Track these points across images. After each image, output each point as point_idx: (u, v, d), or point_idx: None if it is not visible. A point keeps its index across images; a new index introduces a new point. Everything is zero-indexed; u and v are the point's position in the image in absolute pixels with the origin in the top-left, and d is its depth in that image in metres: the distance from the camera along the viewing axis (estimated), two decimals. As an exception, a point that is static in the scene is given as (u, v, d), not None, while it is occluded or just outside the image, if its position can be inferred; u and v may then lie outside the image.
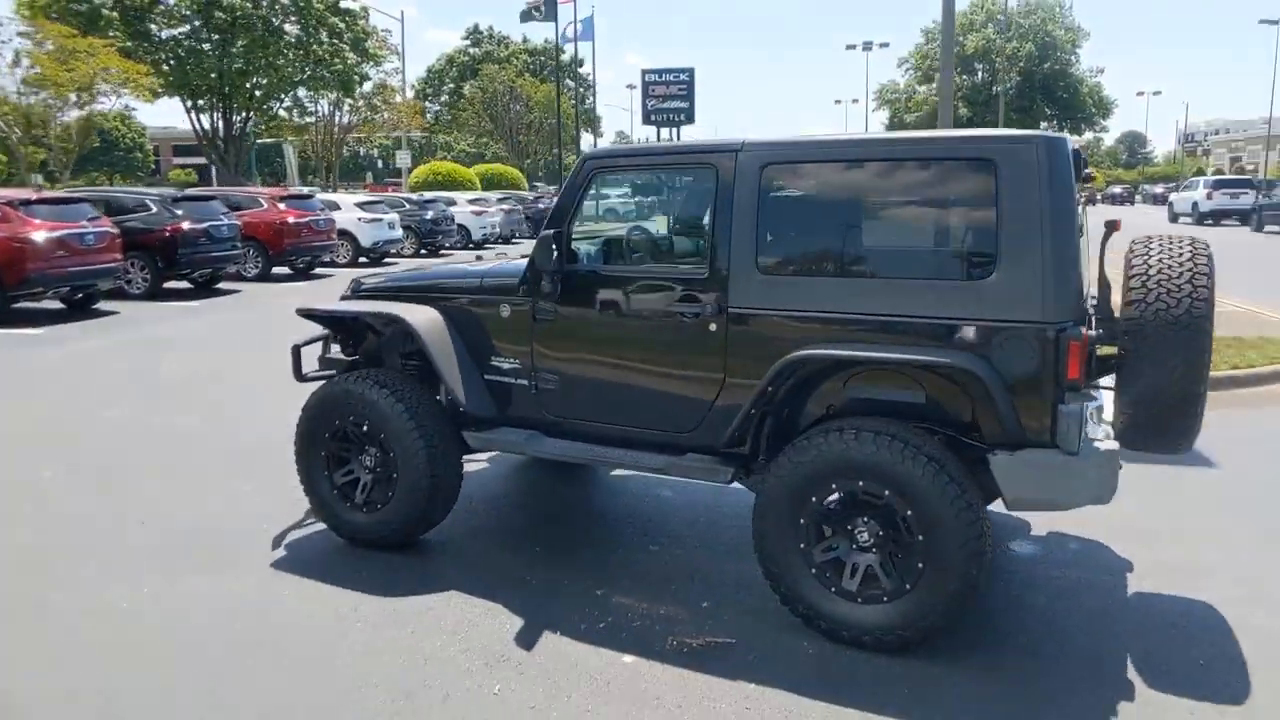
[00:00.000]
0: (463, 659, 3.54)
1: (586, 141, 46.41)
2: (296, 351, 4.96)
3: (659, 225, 4.71)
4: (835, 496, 3.51)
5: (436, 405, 4.47)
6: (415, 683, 3.38)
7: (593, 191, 4.12)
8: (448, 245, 24.15)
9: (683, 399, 3.90)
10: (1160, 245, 3.49)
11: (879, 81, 77.89)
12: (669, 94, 73.45)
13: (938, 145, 3.56)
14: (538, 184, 52.30)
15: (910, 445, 3.36)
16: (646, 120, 74.93)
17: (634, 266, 4.28)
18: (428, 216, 23.58)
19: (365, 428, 4.47)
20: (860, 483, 3.45)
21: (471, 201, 27.90)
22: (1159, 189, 59.77)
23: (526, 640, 3.67)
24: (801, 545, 3.58)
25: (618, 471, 5.72)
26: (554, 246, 3.93)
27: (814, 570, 3.58)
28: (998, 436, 3.40)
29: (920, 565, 3.39)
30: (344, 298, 4.94)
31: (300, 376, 5.01)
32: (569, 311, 4.11)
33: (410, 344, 4.86)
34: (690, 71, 72.59)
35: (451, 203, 26.29)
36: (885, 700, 3.23)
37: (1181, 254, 3.44)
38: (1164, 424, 3.42)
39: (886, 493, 3.41)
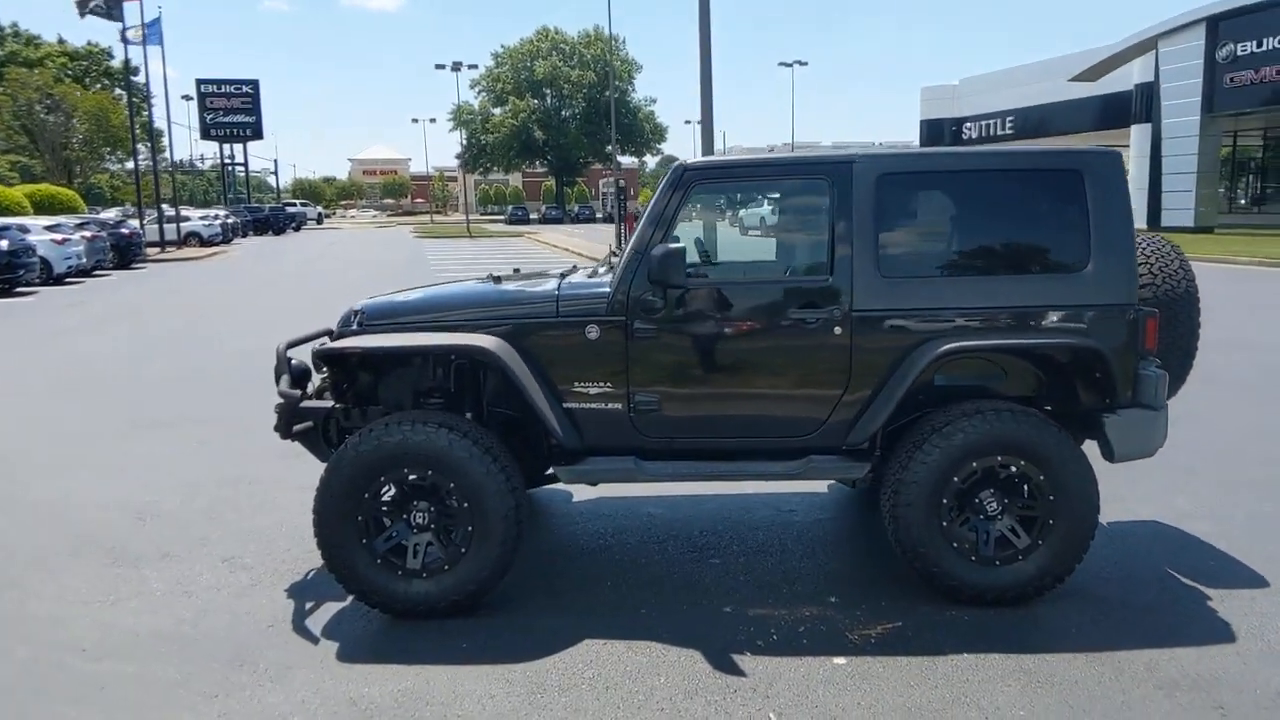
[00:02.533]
0: (681, 699, 3.31)
1: (145, 154, 40.79)
2: (292, 406, 4.15)
3: (761, 235, 4.67)
4: (974, 474, 3.87)
5: (507, 446, 4.05)
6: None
7: (689, 204, 4.03)
8: (27, 280, 20.22)
9: (805, 403, 3.99)
10: (1146, 243, 4.37)
11: (453, 102, 79.01)
12: (231, 107, 67.93)
13: (1033, 158, 4.10)
14: (98, 207, 45.32)
15: (1041, 418, 3.85)
16: (206, 135, 68.57)
17: (747, 277, 4.25)
18: (3, 247, 19.51)
19: (426, 482, 3.92)
20: (999, 456, 3.85)
21: (49, 229, 23.48)
22: (702, 206, 68.25)
23: (724, 665, 3.53)
24: (943, 523, 3.89)
25: (585, 496, 5.53)
26: (680, 261, 3.79)
27: (954, 544, 3.90)
28: (1093, 403, 4.01)
29: (1051, 521, 3.88)
30: (347, 333, 4.23)
31: (288, 431, 4.20)
32: (675, 328, 3.98)
33: (432, 380, 4.33)
34: (255, 84, 67.77)
35: (25, 230, 21.95)
36: (1042, 641, 3.65)
37: (1166, 249, 4.36)
38: (1173, 377, 4.29)
39: (1023, 462, 3.85)
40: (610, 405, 4.04)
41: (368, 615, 4.04)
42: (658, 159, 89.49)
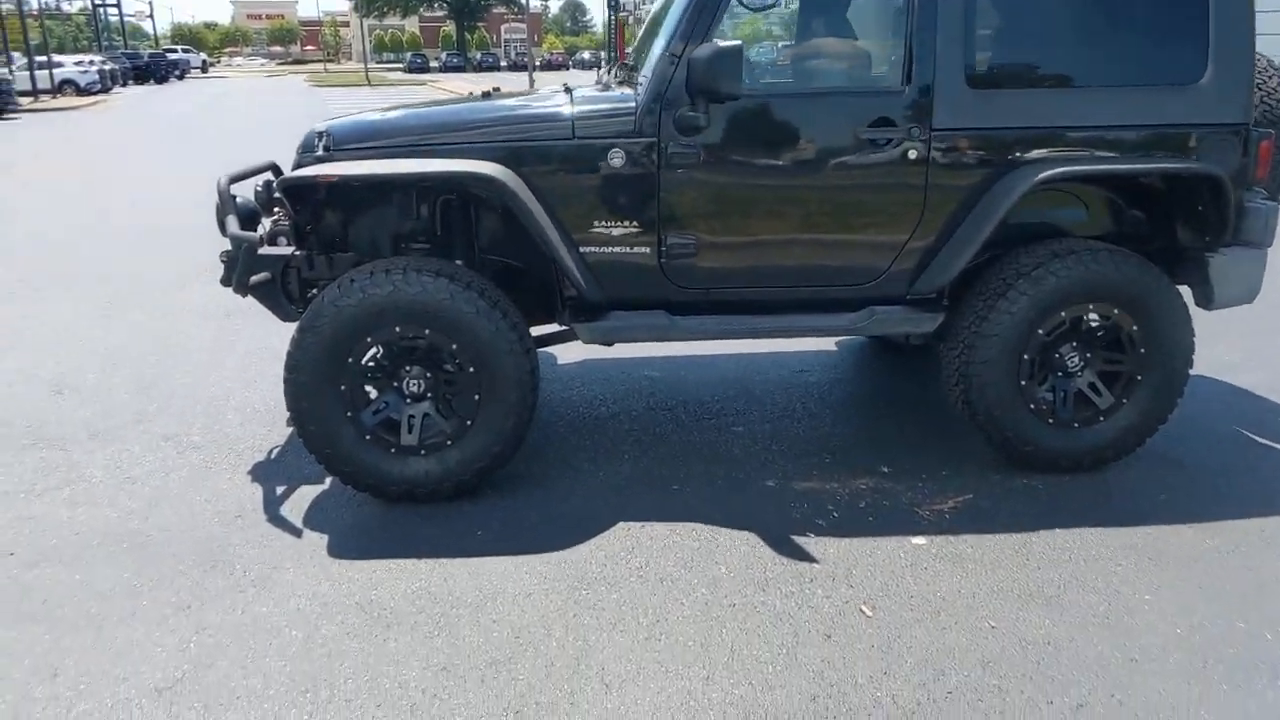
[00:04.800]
0: (752, 591, 2.84)
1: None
2: (248, 250, 3.38)
3: (825, 38, 3.83)
4: (1061, 325, 3.41)
5: (512, 300, 3.40)
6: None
7: (735, -2, 3.27)
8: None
9: (869, 244, 3.42)
10: None
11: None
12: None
13: None
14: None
15: (1140, 260, 3.38)
16: (70, -29, 61.82)
17: (808, 87, 3.57)
18: None
19: (422, 342, 3.27)
20: (1091, 305, 3.39)
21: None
22: (588, 55, 65.79)
23: (788, 549, 3.07)
24: (1022, 382, 3.43)
25: (570, 359, 4.93)
26: (736, 63, 3.06)
27: (1032, 405, 3.47)
28: (1191, 241, 3.54)
29: (1139, 378, 3.47)
30: (309, 160, 3.43)
31: (244, 285, 3.45)
32: (719, 152, 3.30)
33: (415, 221, 3.59)
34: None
35: None
36: (1135, 511, 3.30)
37: (1262, 63, 3.82)
38: None
39: (1116, 311, 3.40)
40: (636, 249, 3.40)
41: (356, 501, 3.44)
42: (560, 3, 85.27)
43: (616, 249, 3.39)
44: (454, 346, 3.28)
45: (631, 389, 4.59)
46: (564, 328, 3.70)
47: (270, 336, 5.11)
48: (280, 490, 3.54)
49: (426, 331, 3.27)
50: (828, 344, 5.20)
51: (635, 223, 3.36)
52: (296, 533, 3.23)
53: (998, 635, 2.59)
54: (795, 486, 3.52)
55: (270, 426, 4.11)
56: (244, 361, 4.94)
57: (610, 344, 3.72)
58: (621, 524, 3.26)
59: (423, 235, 3.66)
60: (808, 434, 4.02)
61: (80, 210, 9.62)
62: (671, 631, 2.65)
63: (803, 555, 3.03)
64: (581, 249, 3.38)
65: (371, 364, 3.37)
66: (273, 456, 3.83)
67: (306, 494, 3.51)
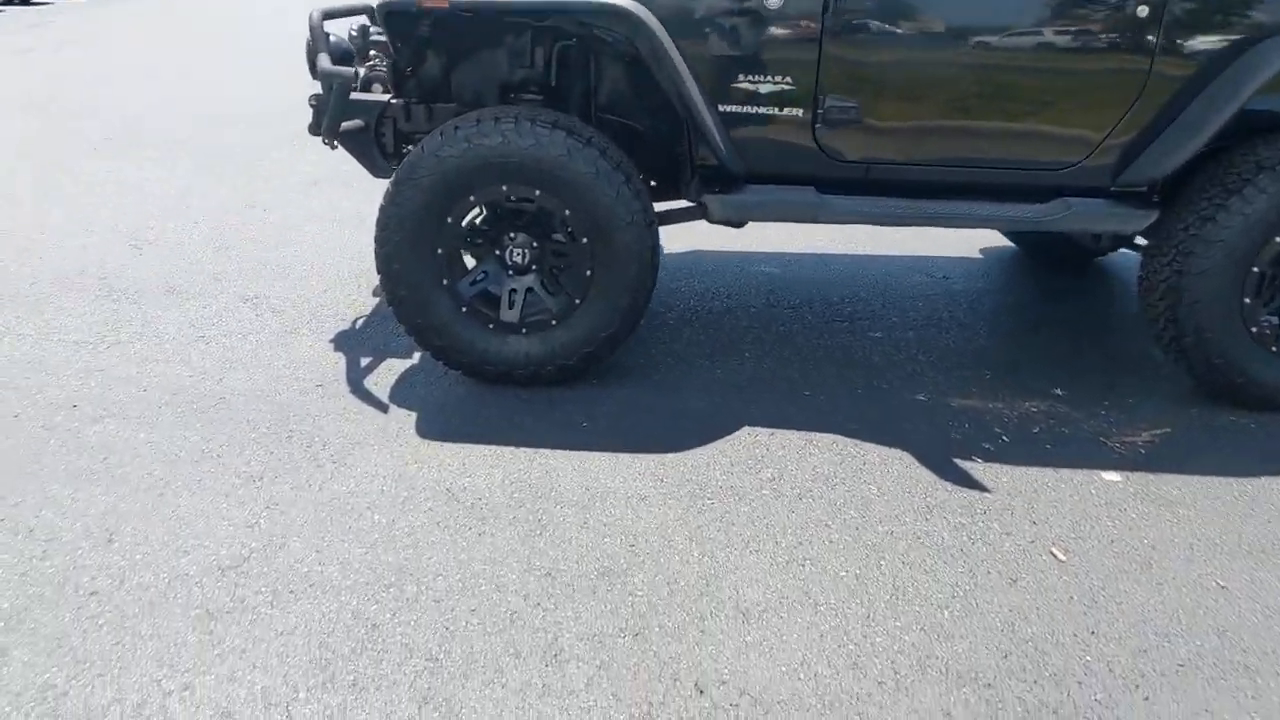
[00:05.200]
0: (912, 519, 2.38)
1: None
2: (340, 89, 2.96)
3: None
4: (1302, 232, 2.79)
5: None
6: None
7: None
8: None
9: (1070, 121, 2.82)
10: None
11: None
12: None
13: None
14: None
15: None
16: None
17: None
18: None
19: (531, 205, 2.83)
20: (1345, 209, 2.76)
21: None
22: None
23: (952, 474, 2.59)
24: (1246, 300, 2.85)
25: (675, 250, 4.45)
26: None
27: (1253, 329, 2.89)
28: None
29: None
30: None
31: (334, 130, 3.04)
32: (900, -4, 2.73)
33: (527, 69, 3.11)
34: None
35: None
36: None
37: None
38: None
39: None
40: (786, 112, 2.86)
41: (447, 380, 3.06)
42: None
43: (763, 109, 2.86)
44: (567, 213, 2.84)
45: (747, 284, 4.10)
46: (690, 203, 3.21)
47: (360, 205, 4.73)
48: (365, 362, 3.17)
49: (537, 193, 2.83)
50: (970, 249, 4.61)
51: (788, 78, 2.82)
52: (382, 407, 2.87)
53: (1231, 599, 2.09)
54: (951, 403, 3.02)
55: (355, 295, 3.75)
56: (329, 228, 4.57)
57: (742, 223, 3.22)
58: (746, 429, 2.82)
59: (534, 87, 3.18)
60: (959, 346, 3.50)
61: (158, 82, 9.35)
62: (817, 557, 2.21)
63: (970, 482, 2.55)
64: (721, 108, 2.86)
65: (472, 227, 2.94)
66: (357, 326, 3.47)
67: (393, 367, 3.14)
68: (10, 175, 5.30)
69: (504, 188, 2.83)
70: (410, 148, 3.17)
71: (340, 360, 3.18)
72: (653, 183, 3.38)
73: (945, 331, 3.63)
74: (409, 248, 2.85)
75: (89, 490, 2.37)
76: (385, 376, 3.08)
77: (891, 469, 2.61)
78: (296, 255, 4.17)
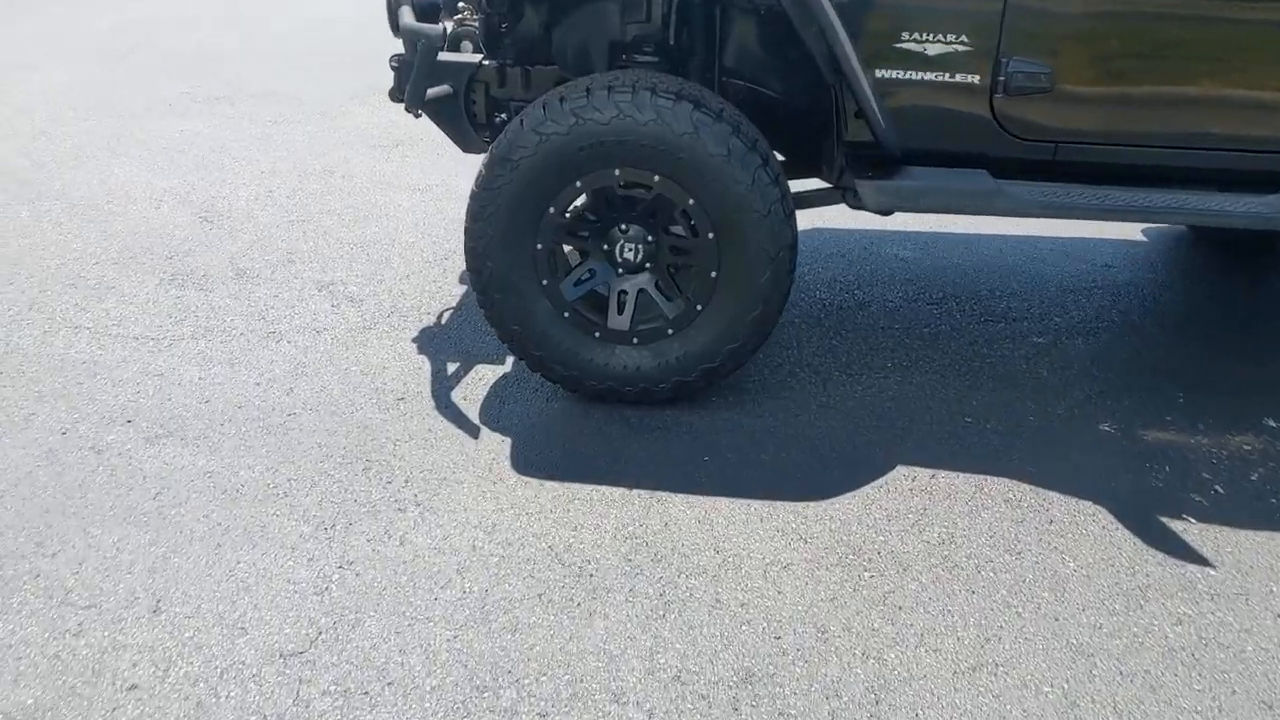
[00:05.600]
0: (1122, 606, 1.91)
1: None
2: (426, 50, 2.52)
3: None
4: None
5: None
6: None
7: None
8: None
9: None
10: None
11: None
12: None
13: None
14: None
15: None
16: None
17: None
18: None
19: (649, 193, 2.37)
20: None
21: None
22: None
23: (1167, 544, 2.10)
24: None
25: (813, 225, 3.94)
26: None
27: None
28: None
29: None
30: None
31: (419, 98, 2.61)
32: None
33: (643, 26, 2.63)
34: None
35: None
36: None
37: None
38: None
39: None
40: (958, 78, 2.34)
41: (545, 394, 2.66)
42: None
43: (931, 75, 2.35)
44: (690, 202, 2.38)
45: (880, 271, 3.59)
46: (835, 187, 2.72)
47: (448, 173, 4.34)
48: (451, 369, 2.79)
49: (655, 178, 2.37)
50: (1129, 230, 4.00)
51: (964, 36, 2.29)
52: (471, 430, 2.48)
53: None
54: (1145, 436, 2.51)
55: (440, 281, 3.36)
56: (413, 199, 4.19)
57: (890, 212, 2.71)
58: (901, 468, 2.36)
59: (649, 46, 2.71)
60: (1137, 356, 2.96)
61: (242, 28, 9.04)
62: (1010, 661, 1.77)
63: (1187, 552, 2.06)
64: (879, 73, 2.35)
65: (577, 218, 2.51)
66: (442, 322, 3.09)
67: (482, 376, 2.76)
68: (85, 135, 5.04)
69: (616, 172, 2.38)
70: (503, 116, 2.75)
71: (424, 365, 2.80)
72: (780, 158, 2.89)
73: (1119, 337, 3.09)
74: (504, 242, 2.44)
75: (138, 538, 2.04)
76: (473, 388, 2.69)
77: (1085, 531, 2.13)
78: (377, 232, 3.80)
